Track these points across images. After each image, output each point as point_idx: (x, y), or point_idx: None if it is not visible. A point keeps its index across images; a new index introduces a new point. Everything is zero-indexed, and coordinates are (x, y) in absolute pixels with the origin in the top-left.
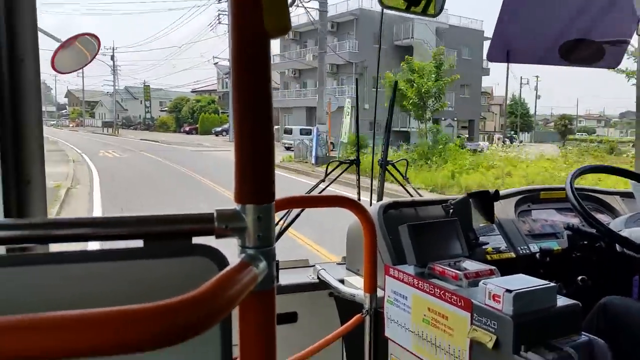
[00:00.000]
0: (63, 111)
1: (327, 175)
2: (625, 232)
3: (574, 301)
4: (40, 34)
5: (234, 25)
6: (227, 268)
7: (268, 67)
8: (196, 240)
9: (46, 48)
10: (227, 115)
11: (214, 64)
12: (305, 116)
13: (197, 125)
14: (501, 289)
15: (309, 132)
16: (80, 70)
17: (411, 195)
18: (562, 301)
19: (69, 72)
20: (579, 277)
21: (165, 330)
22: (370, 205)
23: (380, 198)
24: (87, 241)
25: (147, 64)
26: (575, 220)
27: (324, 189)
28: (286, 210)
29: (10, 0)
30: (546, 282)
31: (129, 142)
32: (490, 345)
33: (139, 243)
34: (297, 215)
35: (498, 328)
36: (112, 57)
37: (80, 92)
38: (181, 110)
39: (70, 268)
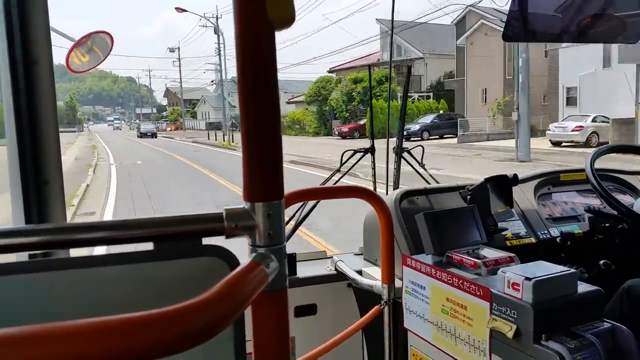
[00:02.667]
0: (163, 113)
1: (342, 164)
2: None
3: (595, 287)
4: (53, 34)
5: (239, 18)
6: (238, 268)
7: (274, 61)
8: (207, 241)
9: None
10: (419, 99)
11: (376, 19)
12: None
13: (363, 122)
14: (520, 277)
15: None
16: (177, 62)
17: (427, 182)
18: (583, 287)
19: (82, 72)
20: (601, 262)
21: (179, 335)
22: (387, 194)
23: (396, 186)
24: (101, 245)
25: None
26: (597, 202)
27: (337, 180)
28: (300, 204)
29: (23, 2)
30: (566, 268)
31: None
32: (510, 334)
33: (149, 246)
34: (312, 208)
35: (518, 317)
36: (217, 30)
37: (179, 88)
38: (327, 100)
39: (82, 272)
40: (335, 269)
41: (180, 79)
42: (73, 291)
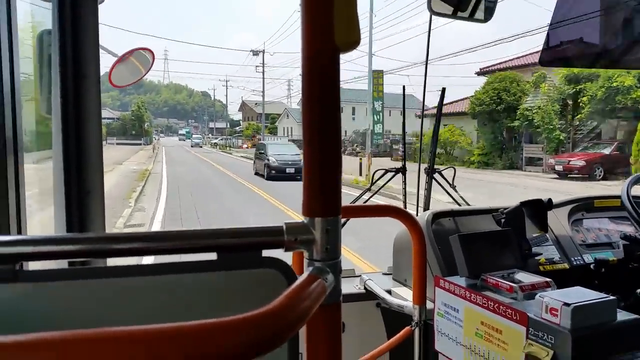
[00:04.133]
0: (237, 127)
1: (372, 183)
2: None
3: (635, 315)
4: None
5: (305, 39)
6: (298, 281)
7: (337, 81)
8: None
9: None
10: None
11: None
12: None
13: (606, 150)
14: (559, 302)
15: None
16: (259, 71)
17: (459, 205)
18: (622, 315)
19: (124, 86)
20: (638, 290)
21: (246, 344)
22: (417, 214)
23: (426, 207)
24: (159, 254)
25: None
26: (631, 230)
27: (368, 199)
28: None
29: (77, 19)
30: (605, 295)
31: None
32: None
33: (212, 256)
34: (342, 225)
35: (555, 343)
36: None
37: (254, 102)
38: (516, 110)
39: (132, 281)
40: (364, 288)
41: (263, 85)
42: (122, 300)
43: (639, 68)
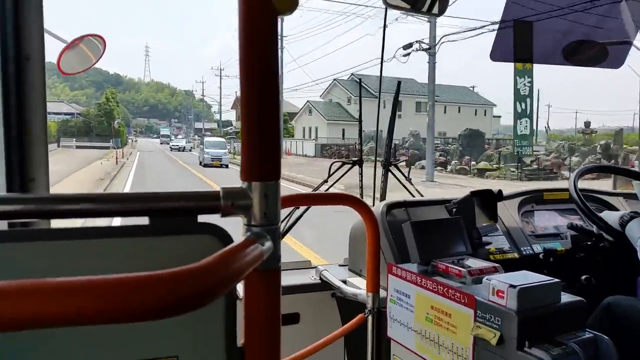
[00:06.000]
0: (228, 128)
1: (330, 175)
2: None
3: (578, 298)
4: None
5: (242, 2)
6: (233, 244)
7: (276, 45)
8: (202, 219)
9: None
10: None
11: None
12: None
13: None
14: (505, 285)
15: None
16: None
17: (413, 196)
18: (566, 297)
19: (73, 74)
20: (583, 277)
21: (171, 299)
22: (373, 205)
23: (382, 198)
24: (91, 217)
25: None
26: (579, 222)
27: (327, 190)
28: (289, 211)
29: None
30: (550, 278)
31: None
32: (494, 341)
33: (144, 220)
34: (301, 215)
35: (502, 324)
36: None
37: None
38: None
39: (72, 244)
40: (320, 279)
41: (282, 63)
42: (60, 262)
43: (584, 65)
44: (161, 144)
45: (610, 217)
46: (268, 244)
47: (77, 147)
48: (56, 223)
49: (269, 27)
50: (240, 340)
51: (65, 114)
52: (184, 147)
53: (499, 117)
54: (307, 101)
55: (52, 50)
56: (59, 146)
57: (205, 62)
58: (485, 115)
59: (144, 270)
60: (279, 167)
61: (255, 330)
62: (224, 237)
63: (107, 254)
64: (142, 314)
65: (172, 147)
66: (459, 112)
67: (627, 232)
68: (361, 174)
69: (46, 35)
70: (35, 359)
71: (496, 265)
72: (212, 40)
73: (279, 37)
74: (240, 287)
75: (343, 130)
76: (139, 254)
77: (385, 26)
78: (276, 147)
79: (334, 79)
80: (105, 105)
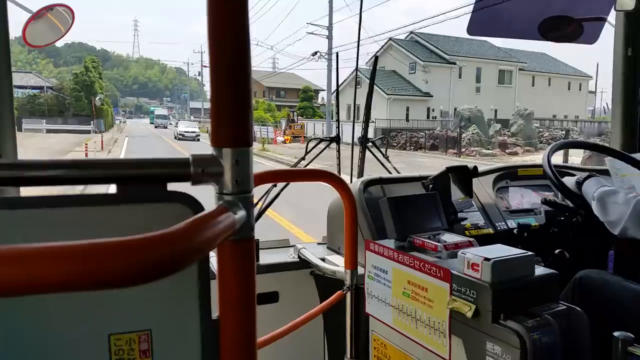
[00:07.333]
0: None
1: (307, 152)
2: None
3: (551, 270)
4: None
5: None
6: (204, 212)
7: (246, 8)
8: (172, 188)
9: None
10: None
11: None
12: None
13: None
14: (479, 258)
15: None
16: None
17: (390, 173)
18: (540, 270)
19: (41, 46)
20: (556, 250)
21: (138, 264)
22: (351, 182)
23: (360, 175)
24: (59, 184)
25: None
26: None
27: (305, 166)
28: (267, 188)
29: None
30: (524, 251)
31: None
32: (469, 314)
33: (112, 189)
34: (279, 193)
35: (477, 297)
36: None
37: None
38: None
39: (40, 213)
40: (299, 257)
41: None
42: (25, 232)
43: (560, 41)
44: (156, 127)
45: (569, 182)
46: (241, 212)
47: (49, 130)
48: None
49: None
50: (215, 314)
51: (33, 87)
52: (189, 134)
53: (593, 92)
54: (356, 69)
55: (20, 23)
56: (20, 130)
57: (202, 38)
58: (580, 90)
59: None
60: (251, 132)
61: (230, 301)
62: (195, 206)
63: (75, 223)
64: (111, 280)
65: (181, 134)
66: (549, 85)
67: (583, 192)
68: (339, 150)
69: (11, 5)
70: (0, 333)
71: (471, 239)
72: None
73: None
74: (213, 261)
75: (407, 108)
76: (108, 223)
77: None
78: (247, 112)
79: (390, 39)
80: (84, 77)
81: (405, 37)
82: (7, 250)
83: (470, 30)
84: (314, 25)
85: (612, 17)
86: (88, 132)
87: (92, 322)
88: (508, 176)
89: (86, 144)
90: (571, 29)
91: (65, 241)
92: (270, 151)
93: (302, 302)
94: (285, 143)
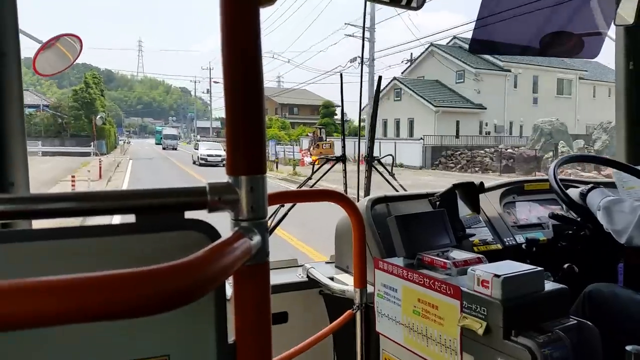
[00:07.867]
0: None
1: (314, 172)
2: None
3: (561, 285)
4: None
5: None
6: (221, 239)
7: (258, 38)
8: (189, 216)
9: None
10: None
11: None
12: None
13: None
14: (489, 274)
15: None
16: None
17: (397, 190)
18: (549, 285)
19: (51, 75)
20: (565, 265)
21: (157, 294)
22: (358, 201)
23: (367, 194)
24: (75, 216)
25: None
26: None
27: (312, 186)
28: (275, 208)
29: None
30: (533, 267)
31: None
32: (480, 331)
33: (130, 218)
34: (286, 213)
35: (488, 314)
36: None
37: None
38: None
39: (56, 244)
40: (307, 276)
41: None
42: (43, 264)
43: (561, 56)
44: (164, 148)
45: (573, 194)
46: (257, 238)
47: (44, 153)
48: (39, 224)
49: (251, 19)
50: (231, 337)
51: (29, 106)
52: (223, 157)
53: None
54: (394, 78)
55: (28, 51)
56: None
57: (206, 58)
58: None
59: (130, 268)
60: (265, 160)
61: (246, 325)
62: (212, 233)
63: (92, 254)
64: (130, 311)
65: (203, 158)
66: (609, 95)
67: (587, 203)
68: (345, 169)
69: (22, 36)
70: None
71: (480, 256)
72: (210, 35)
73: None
74: (229, 285)
75: (457, 123)
76: (126, 253)
77: (365, 18)
78: (261, 140)
79: (431, 44)
80: (84, 93)
81: (448, 43)
82: (22, 283)
83: (472, 48)
84: (353, 26)
85: (612, 31)
86: (88, 154)
87: (112, 348)
88: (515, 191)
89: (73, 176)
90: (571, 44)
91: (85, 273)
92: (302, 175)
93: (312, 322)
94: (312, 164)
